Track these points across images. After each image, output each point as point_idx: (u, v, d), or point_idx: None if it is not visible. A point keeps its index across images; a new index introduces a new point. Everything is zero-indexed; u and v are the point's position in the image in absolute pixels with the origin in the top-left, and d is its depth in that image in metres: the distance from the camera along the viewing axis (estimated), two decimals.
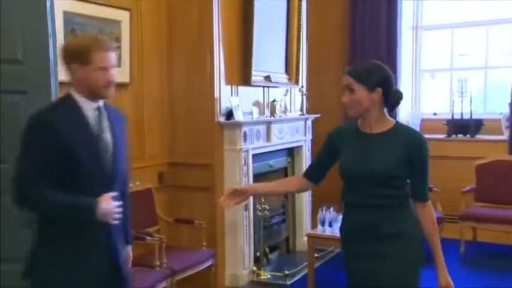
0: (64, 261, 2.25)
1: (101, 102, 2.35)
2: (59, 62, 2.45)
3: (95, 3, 3.99)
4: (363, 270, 2.38)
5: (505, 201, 5.61)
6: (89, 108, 2.30)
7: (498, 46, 6.48)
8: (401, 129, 2.40)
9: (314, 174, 2.62)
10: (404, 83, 6.42)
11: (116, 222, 2.30)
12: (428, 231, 2.39)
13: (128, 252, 2.59)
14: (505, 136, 6.02)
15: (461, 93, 6.23)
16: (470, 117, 6.18)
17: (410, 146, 2.33)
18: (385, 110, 2.41)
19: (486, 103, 6.57)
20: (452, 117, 6.25)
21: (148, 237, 3.96)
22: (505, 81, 6.13)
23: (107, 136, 2.34)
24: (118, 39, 4.20)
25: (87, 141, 2.27)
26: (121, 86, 4.18)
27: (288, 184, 2.91)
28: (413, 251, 2.37)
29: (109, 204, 2.25)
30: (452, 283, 2.39)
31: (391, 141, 2.34)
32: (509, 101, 5.92)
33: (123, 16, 4.25)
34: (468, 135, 6.19)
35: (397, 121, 2.44)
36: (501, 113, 6.15)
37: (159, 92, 4.68)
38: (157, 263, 3.88)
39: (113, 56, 2.32)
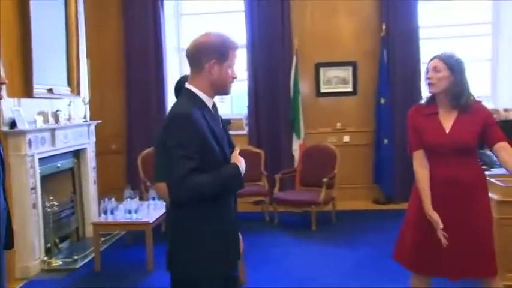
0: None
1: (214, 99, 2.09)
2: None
3: None
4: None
5: (248, 180, 6.14)
6: (209, 104, 2.05)
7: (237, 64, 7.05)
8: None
9: None
10: (172, 97, 6.65)
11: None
12: None
13: None
14: (245, 131, 6.68)
15: (220, 99, 6.71)
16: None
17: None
18: None
19: (233, 106, 7.14)
20: None
21: None
22: (244, 89, 6.70)
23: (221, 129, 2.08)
24: None
25: (217, 132, 2.01)
26: None
27: None
28: None
29: (240, 160, 2.01)
30: None
31: None
32: (247, 105, 6.59)
33: None
34: None
35: None
36: (243, 114, 6.80)
37: None
38: None
39: None
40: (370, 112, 6.56)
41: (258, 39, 6.45)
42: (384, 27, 6.31)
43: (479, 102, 2.78)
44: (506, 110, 6.24)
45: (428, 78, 2.71)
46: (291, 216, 5.92)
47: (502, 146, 2.65)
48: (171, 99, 6.43)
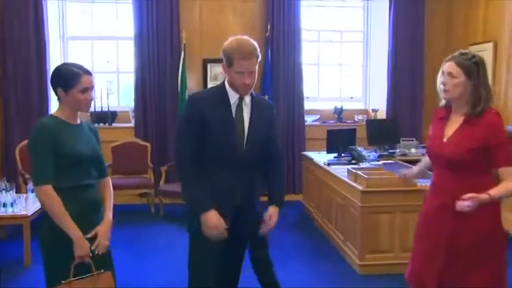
0: None
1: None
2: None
3: None
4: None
5: (134, 172, 6.16)
6: (233, 95, 2.44)
7: (125, 57, 6.85)
8: (85, 122, 2.51)
9: None
10: None
11: None
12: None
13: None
14: (132, 124, 6.59)
15: (108, 91, 6.53)
16: (108, 109, 6.54)
17: (96, 132, 2.53)
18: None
19: (119, 98, 6.98)
20: (95, 109, 6.41)
21: None
22: (132, 82, 6.58)
23: (245, 118, 2.46)
24: None
25: (224, 119, 2.40)
26: None
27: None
28: None
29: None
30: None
31: (88, 130, 2.45)
32: (134, 97, 6.50)
33: None
34: (107, 124, 6.50)
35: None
36: (129, 106, 6.70)
37: None
38: None
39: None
40: None
41: (145, 31, 6.39)
42: (269, 27, 6.64)
43: (494, 113, 2.32)
44: (374, 111, 6.94)
45: (442, 84, 2.35)
46: (176, 208, 5.97)
47: (500, 171, 2.29)
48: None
